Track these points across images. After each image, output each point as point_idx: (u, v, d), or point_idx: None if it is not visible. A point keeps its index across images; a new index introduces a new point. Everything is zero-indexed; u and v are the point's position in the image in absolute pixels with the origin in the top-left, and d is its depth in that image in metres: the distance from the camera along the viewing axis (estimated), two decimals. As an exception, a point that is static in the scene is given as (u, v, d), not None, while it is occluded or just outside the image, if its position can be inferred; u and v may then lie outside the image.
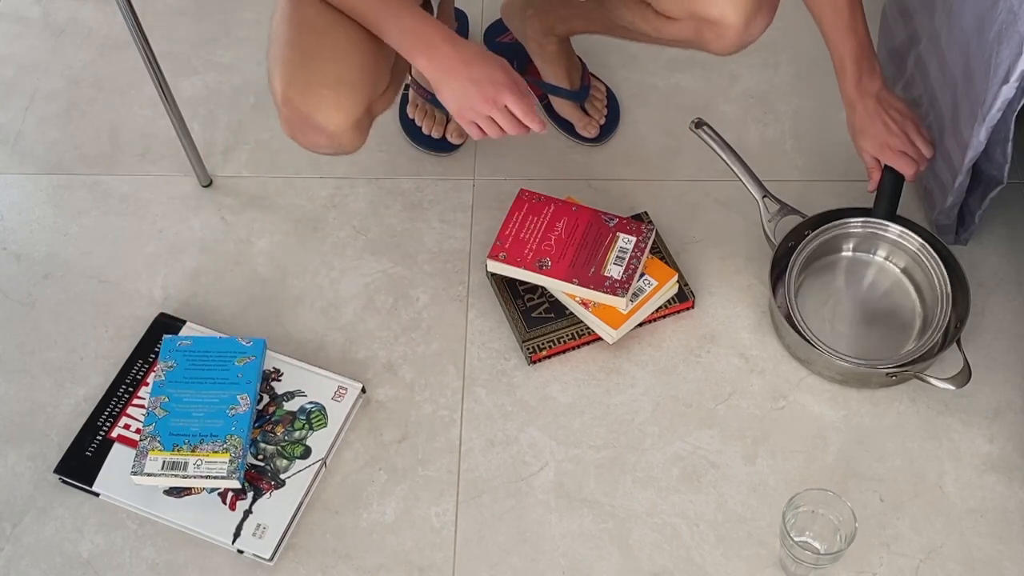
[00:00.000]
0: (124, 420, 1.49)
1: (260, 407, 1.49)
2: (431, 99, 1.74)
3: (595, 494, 1.44)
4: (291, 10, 1.36)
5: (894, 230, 1.58)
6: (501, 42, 1.87)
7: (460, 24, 1.89)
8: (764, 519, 1.42)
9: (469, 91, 1.32)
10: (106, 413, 1.49)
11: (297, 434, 1.47)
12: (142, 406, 1.49)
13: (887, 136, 1.50)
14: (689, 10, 1.40)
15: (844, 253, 1.63)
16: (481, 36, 1.90)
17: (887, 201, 1.55)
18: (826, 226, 1.58)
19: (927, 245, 1.57)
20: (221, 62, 1.92)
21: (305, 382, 1.52)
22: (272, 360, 1.53)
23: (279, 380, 1.52)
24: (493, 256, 1.56)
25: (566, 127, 1.79)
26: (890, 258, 1.62)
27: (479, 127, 1.36)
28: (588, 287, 1.52)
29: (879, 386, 1.51)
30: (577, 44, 1.79)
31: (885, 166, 1.53)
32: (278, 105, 1.36)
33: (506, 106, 1.34)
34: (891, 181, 1.54)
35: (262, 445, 1.46)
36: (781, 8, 1.49)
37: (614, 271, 1.53)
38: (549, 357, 1.55)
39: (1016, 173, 1.65)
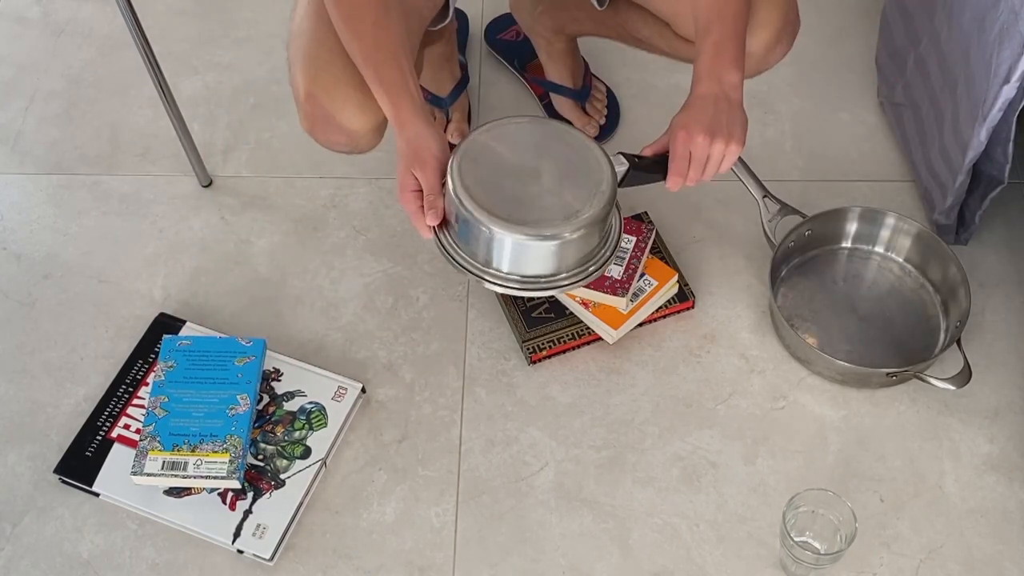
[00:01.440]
0: (124, 420, 1.49)
1: (260, 407, 1.49)
2: (432, 100, 1.74)
3: (595, 494, 1.44)
4: (317, 4, 1.35)
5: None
6: (502, 39, 1.87)
7: (460, 24, 1.89)
8: (764, 519, 1.42)
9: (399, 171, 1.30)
10: (106, 413, 1.49)
11: (297, 434, 1.47)
12: (142, 406, 1.49)
13: (699, 134, 1.28)
14: None
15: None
16: (481, 34, 1.90)
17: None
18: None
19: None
20: (221, 62, 1.92)
21: (305, 382, 1.52)
22: (272, 360, 1.53)
23: (279, 380, 1.52)
24: (493, 256, 1.56)
25: (566, 127, 1.79)
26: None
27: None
28: (588, 287, 1.52)
29: (879, 386, 1.52)
30: (580, 44, 1.79)
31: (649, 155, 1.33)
32: (300, 101, 1.35)
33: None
34: (648, 165, 1.33)
35: (262, 445, 1.46)
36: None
37: (614, 271, 1.53)
38: (549, 357, 1.55)
39: (1016, 173, 1.65)
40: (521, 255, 1.25)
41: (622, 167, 1.31)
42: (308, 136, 1.41)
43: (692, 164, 1.29)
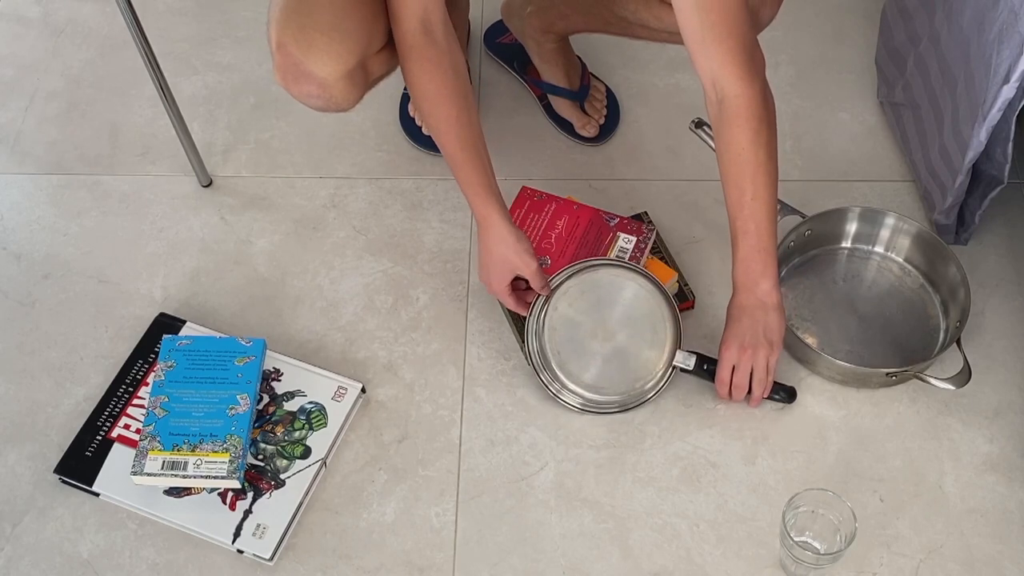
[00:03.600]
0: (124, 420, 1.49)
1: (260, 407, 1.49)
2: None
3: (595, 494, 1.44)
4: None
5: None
6: (501, 43, 1.87)
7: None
8: (764, 519, 1.42)
9: (485, 271, 1.49)
10: (106, 413, 1.49)
11: (297, 434, 1.47)
12: (142, 406, 1.49)
13: (739, 350, 1.44)
14: None
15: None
16: (481, 37, 1.90)
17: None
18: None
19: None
20: (221, 62, 1.92)
21: (305, 382, 1.52)
22: (272, 360, 1.53)
23: (279, 380, 1.52)
24: (493, 256, 1.57)
25: (566, 127, 1.79)
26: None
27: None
28: (588, 287, 1.53)
29: (879, 386, 1.52)
30: (577, 44, 1.79)
31: (706, 364, 1.48)
32: (272, 52, 1.36)
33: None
34: (700, 369, 1.49)
35: (262, 445, 1.46)
36: (781, 9, 1.50)
37: (614, 271, 1.54)
38: (549, 357, 1.56)
39: (1016, 173, 1.65)
40: (587, 402, 1.50)
41: (688, 362, 1.49)
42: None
43: (737, 374, 1.45)
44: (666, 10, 1.47)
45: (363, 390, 1.52)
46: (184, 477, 1.40)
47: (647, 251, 1.57)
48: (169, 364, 1.50)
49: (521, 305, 1.50)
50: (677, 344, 1.49)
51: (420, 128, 1.77)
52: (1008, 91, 1.34)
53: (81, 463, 1.45)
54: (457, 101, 1.39)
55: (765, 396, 1.47)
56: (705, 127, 1.61)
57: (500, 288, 1.48)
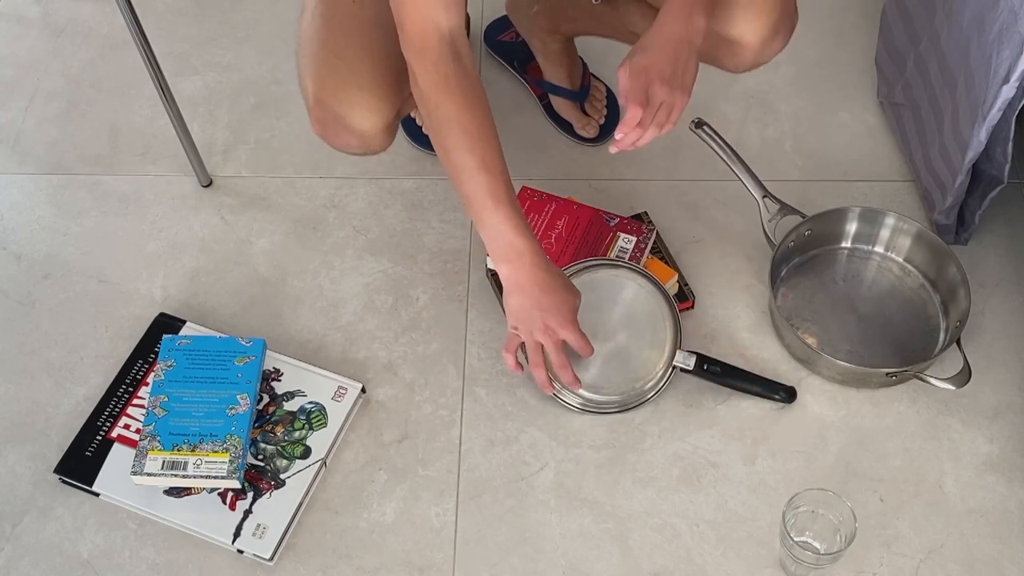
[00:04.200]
0: (124, 420, 1.49)
1: (260, 407, 1.49)
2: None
3: (595, 494, 1.44)
4: (324, 8, 1.35)
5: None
6: (501, 41, 1.87)
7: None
8: (764, 519, 1.42)
9: (534, 315, 1.36)
10: (106, 413, 1.49)
11: (297, 434, 1.47)
12: (142, 406, 1.49)
13: (658, 82, 1.26)
14: None
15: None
16: (481, 35, 1.90)
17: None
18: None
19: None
20: (221, 62, 1.92)
21: (305, 382, 1.52)
22: (272, 360, 1.53)
23: (279, 380, 1.52)
24: (493, 254, 1.57)
25: (566, 127, 1.79)
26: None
27: (520, 345, 1.40)
28: (588, 287, 1.53)
29: (879, 386, 1.52)
30: (578, 44, 1.79)
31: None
32: (309, 106, 1.36)
33: (562, 340, 1.38)
34: None
35: (262, 445, 1.46)
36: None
37: (614, 271, 1.54)
38: (549, 357, 1.56)
39: (1016, 173, 1.65)
40: (587, 402, 1.50)
41: (688, 362, 1.49)
42: (319, 140, 1.42)
43: (651, 111, 1.25)
44: None
45: (363, 390, 1.52)
46: (184, 477, 1.40)
47: (647, 251, 1.57)
48: (169, 364, 1.50)
49: (547, 383, 1.44)
50: (677, 344, 1.49)
51: (420, 128, 1.77)
52: (1008, 91, 1.34)
53: (81, 463, 1.45)
54: (495, 140, 1.30)
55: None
56: (705, 127, 1.61)
57: (574, 321, 1.38)
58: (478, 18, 1.93)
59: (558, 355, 1.39)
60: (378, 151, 1.41)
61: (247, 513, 1.41)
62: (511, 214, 1.30)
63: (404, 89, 1.36)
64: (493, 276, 1.60)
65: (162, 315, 1.59)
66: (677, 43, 1.26)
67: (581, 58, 1.80)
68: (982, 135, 1.42)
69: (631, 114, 1.26)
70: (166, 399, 1.46)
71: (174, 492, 1.43)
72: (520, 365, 1.44)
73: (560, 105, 1.79)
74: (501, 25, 1.87)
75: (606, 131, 1.79)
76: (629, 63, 1.27)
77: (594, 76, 1.82)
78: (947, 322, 1.55)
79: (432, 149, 1.75)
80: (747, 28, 1.37)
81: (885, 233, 1.61)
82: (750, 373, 1.51)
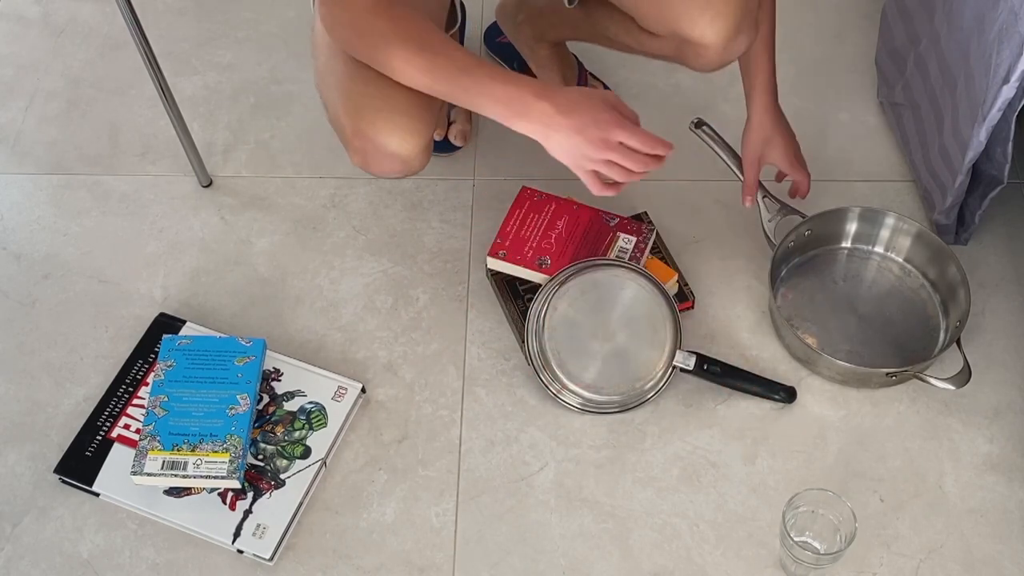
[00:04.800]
0: (124, 420, 1.49)
1: (260, 407, 1.49)
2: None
3: (595, 494, 1.44)
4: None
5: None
6: (500, 42, 1.87)
7: (460, 21, 1.88)
8: (764, 519, 1.42)
9: (576, 141, 1.27)
10: (106, 413, 1.49)
11: (297, 434, 1.47)
12: (142, 406, 1.49)
13: (794, 149, 1.58)
14: (671, 29, 1.40)
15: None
16: (481, 36, 1.90)
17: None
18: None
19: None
20: (221, 62, 1.92)
21: (305, 382, 1.52)
22: (272, 360, 1.53)
23: (279, 380, 1.52)
24: (493, 254, 1.56)
25: (566, 127, 1.79)
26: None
27: (601, 180, 1.31)
28: (588, 287, 1.53)
29: (879, 386, 1.52)
30: (575, 44, 1.79)
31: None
32: (348, 139, 1.35)
33: (621, 142, 1.28)
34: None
35: (262, 445, 1.46)
36: (781, 9, 1.50)
37: (614, 271, 1.54)
38: (549, 357, 1.56)
39: (1016, 173, 1.65)
40: (587, 402, 1.50)
41: (688, 362, 1.49)
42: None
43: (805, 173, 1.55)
44: (646, 37, 1.47)
45: (363, 390, 1.52)
46: (184, 477, 1.40)
47: (647, 251, 1.57)
48: (169, 364, 1.50)
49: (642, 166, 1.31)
50: (677, 344, 1.49)
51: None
52: (1008, 91, 1.34)
53: (81, 463, 1.45)
54: (434, 29, 1.29)
55: None
56: (705, 127, 1.62)
57: (630, 115, 1.31)
58: (478, 19, 1.93)
59: (642, 137, 1.29)
60: (418, 171, 1.40)
61: (247, 513, 1.41)
62: (493, 72, 1.26)
63: (435, 106, 1.36)
64: (493, 276, 1.60)
65: (162, 315, 1.59)
66: (784, 128, 1.58)
67: (578, 58, 1.80)
68: (982, 135, 1.42)
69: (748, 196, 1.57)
70: (166, 399, 1.46)
71: (174, 492, 1.43)
72: (612, 184, 1.32)
73: (559, 105, 1.78)
74: (499, 27, 1.87)
75: (606, 131, 1.79)
76: (761, 159, 1.58)
77: (593, 76, 1.82)
78: (947, 322, 1.55)
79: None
80: (708, 30, 1.37)
81: (885, 233, 1.61)
82: (750, 373, 1.51)
